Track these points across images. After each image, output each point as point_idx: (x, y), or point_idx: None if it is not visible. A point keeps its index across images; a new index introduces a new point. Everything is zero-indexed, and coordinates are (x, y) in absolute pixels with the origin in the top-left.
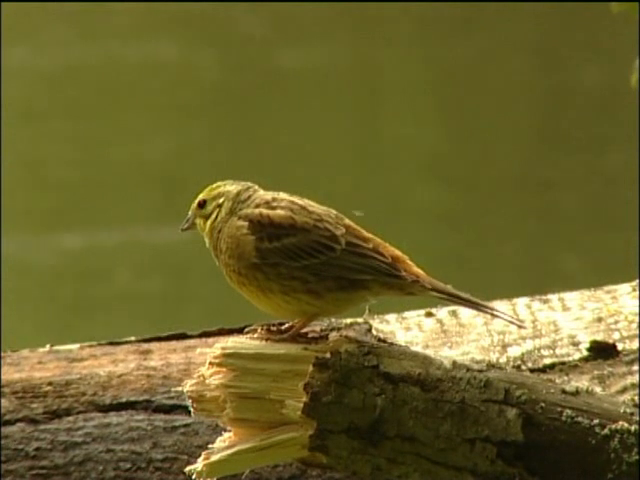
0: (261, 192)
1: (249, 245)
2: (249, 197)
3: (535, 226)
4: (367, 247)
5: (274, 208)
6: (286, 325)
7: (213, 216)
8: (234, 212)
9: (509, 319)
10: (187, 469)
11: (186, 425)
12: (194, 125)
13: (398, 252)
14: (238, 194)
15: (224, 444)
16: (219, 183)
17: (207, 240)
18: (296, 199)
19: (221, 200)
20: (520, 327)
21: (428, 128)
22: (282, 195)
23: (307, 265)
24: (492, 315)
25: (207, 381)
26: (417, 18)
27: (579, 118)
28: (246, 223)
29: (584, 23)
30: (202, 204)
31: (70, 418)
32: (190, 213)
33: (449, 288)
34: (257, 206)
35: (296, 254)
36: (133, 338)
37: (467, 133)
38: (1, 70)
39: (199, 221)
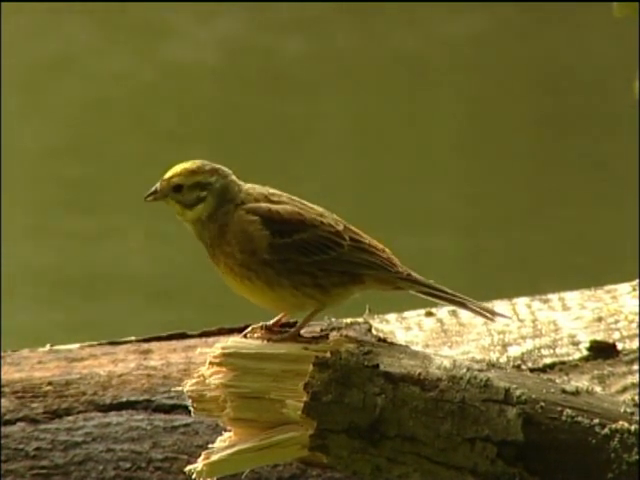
0: (245, 184)
1: (264, 240)
2: (238, 191)
3: (536, 226)
4: (366, 242)
5: (277, 203)
6: (284, 320)
7: (197, 209)
8: (228, 204)
9: (498, 318)
10: (187, 469)
11: (186, 425)
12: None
13: (383, 246)
14: (223, 191)
15: (224, 444)
16: (192, 165)
17: (191, 226)
18: (285, 194)
19: (203, 194)
20: (517, 323)
21: (426, 134)
22: (270, 189)
23: (317, 261)
24: (483, 316)
25: (207, 381)
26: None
27: (580, 131)
28: (257, 218)
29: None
30: (178, 189)
31: (70, 418)
32: (158, 186)
33: (433, 283)
34: (257, 200)
35: (307, 250)
36: (133, 338)
37: (471, 136)
38: (1, 75)
39: (173, 203)
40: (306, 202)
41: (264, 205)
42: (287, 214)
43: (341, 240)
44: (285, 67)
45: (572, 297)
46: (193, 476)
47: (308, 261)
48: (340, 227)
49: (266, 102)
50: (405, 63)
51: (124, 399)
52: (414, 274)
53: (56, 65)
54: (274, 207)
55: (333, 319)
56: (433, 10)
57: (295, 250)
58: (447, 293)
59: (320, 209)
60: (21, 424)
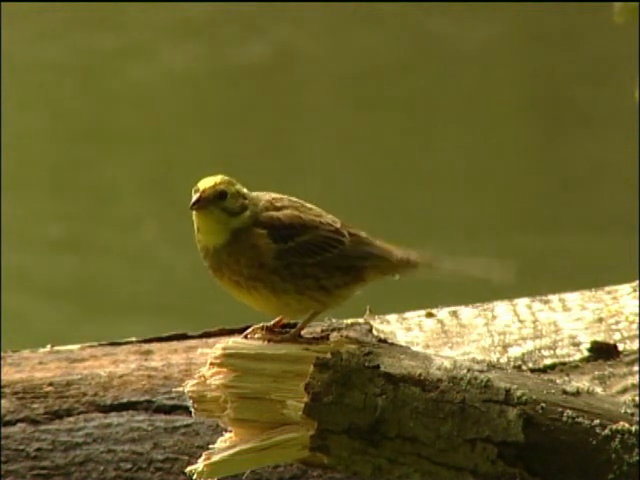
0: (250, 193)
1: (271, 252)
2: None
3: (536, 227)
4: (364, 236)
5: (279, 209)
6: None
7: (243, 216)
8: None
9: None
10: (188, 469)
11: (187, 425)
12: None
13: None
14: (257, 202)
15: (225, 444)
16: (223, 177)
17: (214, 236)
18: (287, 196)
19: (246, 202)
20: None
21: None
22: (272, 194)
23: (321, 260)
24: (486, 276)
25: (208, 381)
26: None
27: (579, 133)
28: (265, 231)
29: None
30: (223, 196)
31: (71, 418)
32: (198, 195)
33: (431, 259)
34: (265, 209)
35: (311, 250)
36: (134, 338)
37: (473, 135)
38: (1, 71)
39: (217, 211)
40: (305, 202)
41: (266, 214)
42: (288, 219)
43: (341, 237)
44: (296, 64)
45: (573, 298)
46: (194, 477)
47: (313, 262)
48: (338, 224)
49: (276, 98)
50: (409, 66)
51: (125, 400)
52: (412, 256)
53: (54, 67)
54: (275, 214)
55: (334, 320)
56: (439, 16)
57: (299, 253)
58: (448, 266)
59: (317, 209)
60: (22, 425)
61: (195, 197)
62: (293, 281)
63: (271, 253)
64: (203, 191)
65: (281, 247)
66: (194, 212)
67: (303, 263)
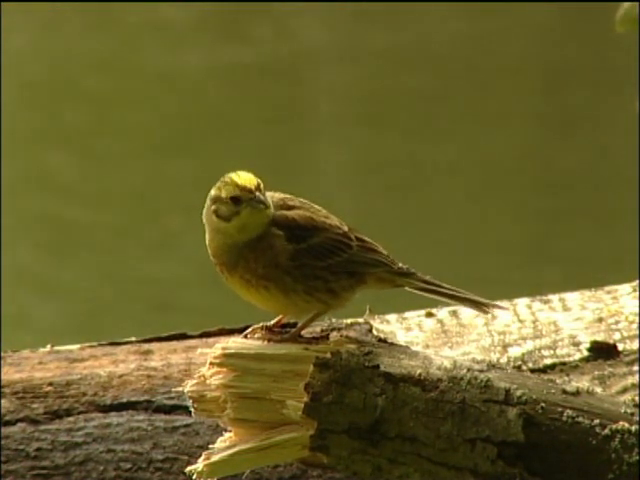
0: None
1: (287, 254)
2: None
3: (535, 226)
4: (369, 241)
5: (292, 208)
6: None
7: (270, 212)
8: None
9: (498, 318)
10: (188, 469)
11: (187, 425)
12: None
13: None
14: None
15: (225, 444)
16: (247, 173)
17: (254, 232)
18: (294, 197)
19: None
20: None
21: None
22: (281, 194)
23: (330, 264)
24: (481, 309)
25: (208, 381)
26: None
27: (579, 136)
28: (282, 233)
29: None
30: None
31: (71, 418)
32: (259, 193)
33: (430, 279)
34: (280, 207)
35: (321, 253)
36: (134, 338)
37: (470, 133)
38: (1, 68)
39: (266, 208)
40: (312, 204)
41: (279, 213)
42: (302, 220)
43: (349, 241)
44: (304, 63)
45: (572, 298)
46: (194, 477)
47: (323, 265)
48: (345, 228)
49: (284, 96)
50: (413, 61)
51: (125, 400)
52: (412, 269)
53: (53, 66)
54: (290, 214)
55: (334, 320)
56: (441, 15)
57: (310, 255)
58: (444, 287)
59: (324, 211)
60: (21, 425)
61: (259, 195)
62: (304, 282)
63: (287, 254)
64: (257, 188)
65: (295, 248)
66: (241, 210)
67: (314, 266)
